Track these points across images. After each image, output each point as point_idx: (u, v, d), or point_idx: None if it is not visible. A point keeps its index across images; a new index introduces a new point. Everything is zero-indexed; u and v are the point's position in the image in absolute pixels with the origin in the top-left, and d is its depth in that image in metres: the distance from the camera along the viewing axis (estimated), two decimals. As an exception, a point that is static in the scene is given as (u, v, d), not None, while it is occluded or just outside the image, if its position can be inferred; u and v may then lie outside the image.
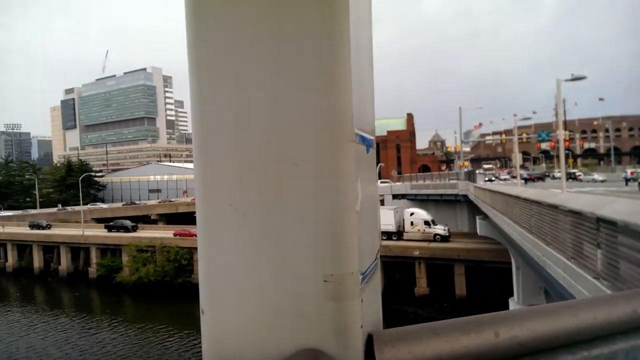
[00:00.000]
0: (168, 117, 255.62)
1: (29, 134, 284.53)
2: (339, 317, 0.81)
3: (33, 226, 56.78)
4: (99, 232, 52.02)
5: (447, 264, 34.87)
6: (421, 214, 40.95)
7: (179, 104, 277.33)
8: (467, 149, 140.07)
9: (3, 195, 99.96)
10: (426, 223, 39.89)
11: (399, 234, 40.08)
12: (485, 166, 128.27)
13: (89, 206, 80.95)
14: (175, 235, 46.44)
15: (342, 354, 0.80)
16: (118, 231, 51.79)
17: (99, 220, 68.52)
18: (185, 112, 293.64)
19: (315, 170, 0.82)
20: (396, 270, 35.96)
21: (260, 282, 0.82)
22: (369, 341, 0.84)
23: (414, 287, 35.47)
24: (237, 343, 0.82)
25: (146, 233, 50.36)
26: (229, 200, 0.82)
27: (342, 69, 0.82)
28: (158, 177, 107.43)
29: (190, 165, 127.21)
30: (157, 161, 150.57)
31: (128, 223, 53.51)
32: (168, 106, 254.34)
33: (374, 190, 1.04)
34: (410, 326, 0.86)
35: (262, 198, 0.82)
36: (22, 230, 56.63)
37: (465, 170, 59.62)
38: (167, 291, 40.94)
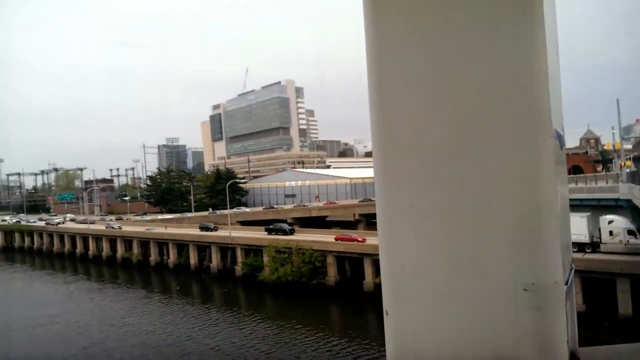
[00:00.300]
0: (300, 126, 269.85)
1: (184, 146, 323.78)
2: (541, 330, 0.75)
3: (203, 228, 62.66)
4: (259, 235, 55.82)
5: (607, 278, 30.41)
6: (622, 221, 35.00)
7: (310, 113, 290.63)
8: (629, 147, 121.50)
9: (165, 200, 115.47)
10: (630, 233, 33.70)
11: (593, 245, 34.34)
12: None
13: (234, 210, 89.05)
14: (336, 239, 46.67)
15: None
16: (277, 234, 53.97)
17: (243, 223, 74.95)
18: (316, 121, 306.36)
19: (512, 170, 0.76)
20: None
21: (450, 286, 0.78)
22: (573, 358, 0.77)
23: (566, 303, 31.51)
24: (423, 347, 0.78)
25: (302, 236, 52.07)
26: (411, 201, 0.79)
27: (539, 57, 0.75)
28: (293, 183, 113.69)
29: (322, 171, 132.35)
30: (292, 168, 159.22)
31: (286, 226, 56.06)
32: (300, 116, 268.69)
33: (567, 192, 0.97)
34: (618, 345, 0.78)
35: (448, 199, 0.78)
36: (180, 231, 64.50)
37: (628, 170, 51.73)
38: (303, 291, 42.90)
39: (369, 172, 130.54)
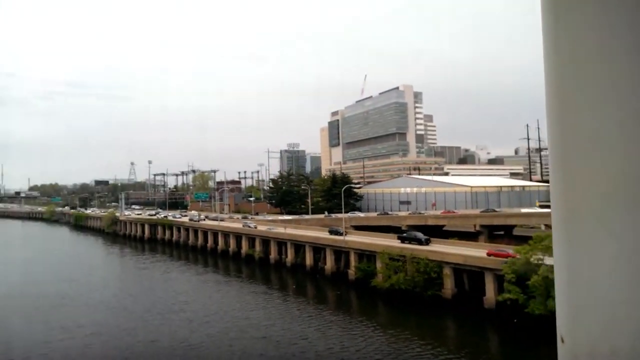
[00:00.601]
0: (417, 132, 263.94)
1: (304, 151, 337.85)
2: None
3: (332, 232, 62.08)
4: (390, 242, 52.87)
5: None
6: None
7: (428, 118, 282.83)
8: None
9: (285, 202, 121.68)
10: None
11: None
12: None
13: (349, 214, 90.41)
14: (488, 255, 41.51)
15: None
16: (410, 243, 50.83)
17: (356, 227, 75.64)
18: (434, 126, 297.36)
19: None
20: None
21: None
22: None
23: None
24: None
25: (439, 247, 48.51)
26: (600, 213, 0.69)
27: None
28: (408, 190, 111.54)
29: (439, 178, 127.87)
30: (407, 174, 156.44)
31: (421, 236, 52.48)
32: (417, 121, 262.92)
33: None
34: None
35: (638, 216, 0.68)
36: (298, 232, 67.28)
37: None
38: (416, 301, 41.74)
39: (491, 181, 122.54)
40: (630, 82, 0.69)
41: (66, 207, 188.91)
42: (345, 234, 59.05)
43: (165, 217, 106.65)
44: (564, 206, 0.74)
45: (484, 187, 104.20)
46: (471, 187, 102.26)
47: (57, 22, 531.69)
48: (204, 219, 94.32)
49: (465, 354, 30.96)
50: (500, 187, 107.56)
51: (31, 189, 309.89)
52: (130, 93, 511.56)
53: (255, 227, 74.89)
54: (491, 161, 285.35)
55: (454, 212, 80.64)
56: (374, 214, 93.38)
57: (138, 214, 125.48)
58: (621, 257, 0.68)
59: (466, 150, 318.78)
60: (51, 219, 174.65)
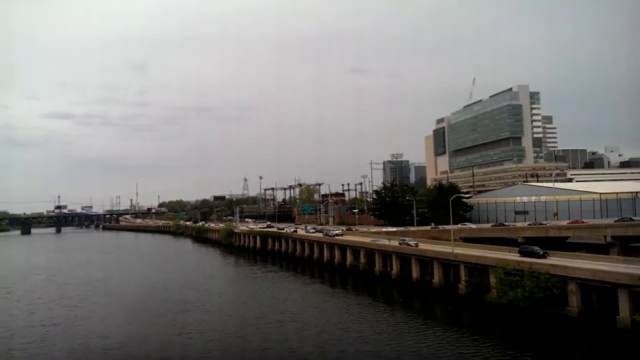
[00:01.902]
0: (535, 135, 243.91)
1: (407, 161, 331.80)
2: None
3: (525, 253, 48.67)
4: (504, 255, 49.18)
5: None
6: None
7: (547, 119, 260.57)
8: None
9: (389, 213, 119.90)
10: None
11: None
12: None
13: (459, 225, 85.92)
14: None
15: None
16: (529, 256, 46.96)
17: (466, 240, 71.51)
18: (554, 128, 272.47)
19: None
20: None
21: None
22: None
23: None
24: None
25: (558, 260, 43.54)
26: None
27: None
28: (525, 198, 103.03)
29: (561, 185, 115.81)
30: (524, 181, 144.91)
31: (537, 249, 48.42)
32: (535, 123, 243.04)
33: None
34: None
35: None
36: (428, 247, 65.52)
37: None
38: (537, 320, 37.83)
39: (625, 186, 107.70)
40: None
41: (189, 221, 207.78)
42: (545, 256, 47.22)
43: (282, 229, 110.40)
44: None
45: (616, 193, 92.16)
46: (600, 193, 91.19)
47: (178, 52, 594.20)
48: (341, 234, 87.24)
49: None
50: (636, 193, 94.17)
51: (160, 205, 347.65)
52: (244, 113, 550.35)
53: (416, 245, 62.83)
54: (623, 164, 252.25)
55: (583, 222, 72.14)
56: (488, 225, 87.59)
57: (251, 227, 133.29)
58: None
59: (593, 154, 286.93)
60: (176, 232, 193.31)
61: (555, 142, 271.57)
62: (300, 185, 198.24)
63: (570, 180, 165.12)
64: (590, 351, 32.84)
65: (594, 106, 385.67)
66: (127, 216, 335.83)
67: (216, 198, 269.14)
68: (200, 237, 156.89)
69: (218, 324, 42.45)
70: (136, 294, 60.98)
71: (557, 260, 43.86)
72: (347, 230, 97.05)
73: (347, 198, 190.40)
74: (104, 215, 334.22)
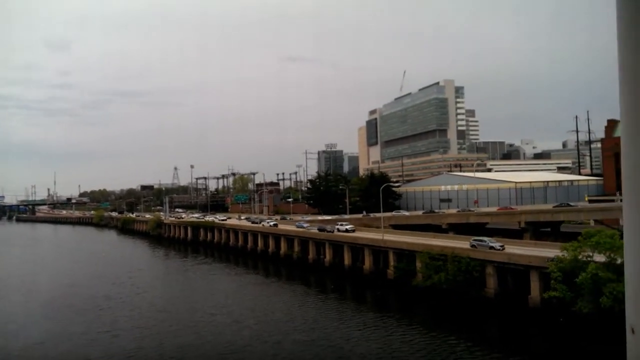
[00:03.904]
0: (459, 127, 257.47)
1: (341, 151, 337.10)
2: None
3: (321, 230, 61.29)
4: (414, 239, 53.21)
5: None
6: None
7: (470, 113, 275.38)
8: None
9: (323, 202, 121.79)
10: None
11: None
12: None
13: (392, 213, 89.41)
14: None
15: None
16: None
17: (395, 227, 74.43)
18: (477, 121, 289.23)
19: None
20: None
21: None
22: None
23: None
24: None
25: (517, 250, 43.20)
26: None
27: None
28: (449, 187, 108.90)
29: (482, 175, 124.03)
30: (448, 171, 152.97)
31: (495, 243, 44.59)
32: (459, 117, 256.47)
33: None
34: None
35: None
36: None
37: None
38: (458, 301, 40.51)
39: (537, 176, 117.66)
40: None
41: (114, 212, 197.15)
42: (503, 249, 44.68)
43: (215, 219, 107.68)
44: (634, 195, 0.72)
45: (530, 182, 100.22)
46: (515, 182, 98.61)
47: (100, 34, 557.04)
48: (276, 224, 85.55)
49: (508, 353, 29.73)
50: (547, 182, 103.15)
51: (81, 195, 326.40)
52: (174, 99, 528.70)
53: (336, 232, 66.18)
54: (537, 156, 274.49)
55: (512, 209, 77.61)
56: (419, 212, 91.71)
57: (181, 217, 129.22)
58: None
59: (510, 145, 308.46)
60: (100, 224, 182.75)
61: (477, 135, 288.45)
62: (234, 174, 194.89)
63: (489, 170, 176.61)
64: (502, 327, 35.85)
65: (512, 101, 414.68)
66: (44, 207, 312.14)
67: (144, 187, 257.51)
68: (127, 229, 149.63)
69: (147, 319, 40.76)
70: (56, 289, 57.03)
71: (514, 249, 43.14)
72: (281, 219, 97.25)
73: (281, 187, 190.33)
74: (18, 206, 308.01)
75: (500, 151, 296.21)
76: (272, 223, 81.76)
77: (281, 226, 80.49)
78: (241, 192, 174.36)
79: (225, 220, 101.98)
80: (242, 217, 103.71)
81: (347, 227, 66.87)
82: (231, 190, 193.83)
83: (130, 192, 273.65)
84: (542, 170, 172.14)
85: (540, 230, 65.26)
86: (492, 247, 43.66)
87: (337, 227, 67.73)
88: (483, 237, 48.45)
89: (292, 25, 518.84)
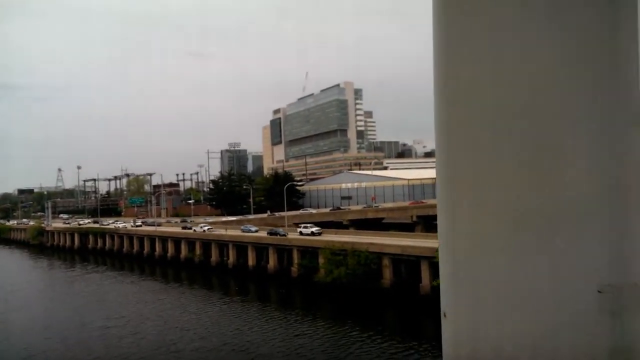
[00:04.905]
0: (358, 128, 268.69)
1: (245, 150, 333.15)
2: (618, 337, 0.69)
3: (272, 234, 58.80)
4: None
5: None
6: None
7: (368, 114, 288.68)
8: None
9: (226, 203, 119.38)
10: None
11: None
12: None
13: (300, 211, 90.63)
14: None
15: None
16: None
17: (298, 225, 75.62)
18: (374, 122, 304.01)
19: (591, 162, 0.70)
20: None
21: (513, 288, 0.74)
22: None
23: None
24: (482, 351, 0.75)
25: (335, 237, 51.62)
26: (475, 200, 0.76)
27: (628, 43, 0.69)
28: (349, 185, 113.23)
29: (379, 173, 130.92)
30: (348, 169, 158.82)
31: (281, 230, 58.52)
32: (358, 117, 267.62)
33: None
34: None
35: (524, 193, 0.73)
36: (239, 232, 66.16)
37: None
38: (358, 293, 42.36)
39: (427, 173, 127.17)
40: (509, 81, 0.72)
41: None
42: (285, 235, 57.92)
43: (108, 224, 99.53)
44: (446, 195, 0.81)
45: (420, 179, 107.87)
46: (408, 180, 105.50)
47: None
48: (141, 225, 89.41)
49: (402, 339, 31.86)
50: (434, 178, 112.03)
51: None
52: (61, 95, 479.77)
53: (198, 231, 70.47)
54: (427, 154, 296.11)
55: (424, 202, 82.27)
56: (326, 210, 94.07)
57: (67, 224, 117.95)
58: (497, 240, 0.75)
59: (404, 145, 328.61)
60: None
61: (375, 135, 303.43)
62: (128, 175, 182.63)
63: (385, 168, 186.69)
64: (396, 314, 38.39)
65: (407, 103, 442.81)
66: None
67: (21, 192, 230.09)
68: (2, 238, 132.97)
69: (29, 339, 36.47)
70: None
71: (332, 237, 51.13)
72: (181, 222, 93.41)
73: (182, 188, 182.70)
74: None
75: (395, 150, 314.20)
76: (206, 227, 72.76)
77: (164, 229, 77.39)
78: (137, 194, 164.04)
79: (141, 226, 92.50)
80: (138, 222, 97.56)
81: (314, 229, 59.34)
82: (125, 192, 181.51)
83: (5, 197, 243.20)
84: (431, 167, 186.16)
85: (431, 223, 70.76)
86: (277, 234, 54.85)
87: (300, 230, 60.49)
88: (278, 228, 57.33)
89: (194, 21, 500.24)
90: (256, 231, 63.26)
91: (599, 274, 0.70)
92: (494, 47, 0.72)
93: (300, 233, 58.40)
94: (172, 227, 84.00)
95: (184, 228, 74.90)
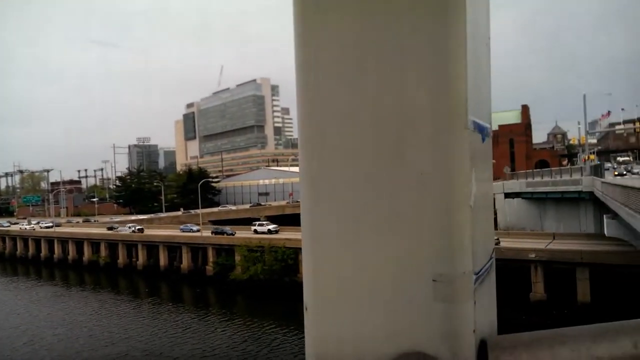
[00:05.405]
0: (275, 124, 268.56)
1: (156, 145, 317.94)
2: (449, 320, 0.77)
3: (217, 233, 55.76)
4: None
5: (568, 268, 31.32)
6: None
7: (285, 111, 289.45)
8: (593, 141, 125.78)
9: (135, 201, 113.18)
10: None
11: None
12: (621, 159, 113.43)
13: (219, 208, 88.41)
14: None
15: None
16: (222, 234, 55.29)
17: (215, 222, 73.86)
18: (291, 119, 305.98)
19: (425, 162, 0.77)
20: (510, 274, 33.23)
21: (366, 280, 0.80)
22: (482, 347, 0.79)
23: (529, 293, 32.48)
24: (340, 341, 0.80)
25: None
26: (333, 196, 0.81)
27: (456, 49, 0.75)
28: (267, 181, 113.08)
29: (296, 169, 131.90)
30: (266, 166, 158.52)
31: (228, 229, 56.47)
32: (275, 114, 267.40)
33: (489, 184, 0.97)
34: (530, 332, 0.80)
35: (368, 193, 0.79)
36: (151, 232, 63.23)
37: (591, 164, 53.46)
38: (275, 289, 42.68)
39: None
40: (357, 89, 0.77)
41: None
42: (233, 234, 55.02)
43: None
44: (307, 194, 0.85)
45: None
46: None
47: None
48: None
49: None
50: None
51: None
52: None
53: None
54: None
55: None
56: (247, 206, 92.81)
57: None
58: (349, 235, 0.81)
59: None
60: None
61: (292, 131, 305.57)
62: (22, 172, 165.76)
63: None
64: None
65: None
66: None
67: None
68: None
69: None
70: None
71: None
72: (84, 222, 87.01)
73: (85, 186, 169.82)
74: None
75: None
76: (137, 227, 65.40)
77: (65, 229, 72.11)
78: (32, 192, 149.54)
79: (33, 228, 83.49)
80: (33, 222, 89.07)
81: (270, 227, 55.37)
82: (18, 190, 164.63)
83: None
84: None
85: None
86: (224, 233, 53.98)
87: (255, 228, 56.21)
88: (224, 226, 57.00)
89: (102, 7, 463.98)
90: (197, 230, 59.57)
91: (433, 265, 0.77)
92: (343, 57, 0.77)
93: (255, 231, 55.23)
94: (80, 228, 77.81)
95: (109, 229, 68.14)
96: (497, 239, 35.68)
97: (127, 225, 66.77)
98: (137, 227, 64.24)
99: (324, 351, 0.82)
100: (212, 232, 56.01)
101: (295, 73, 0.85)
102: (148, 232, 62.75)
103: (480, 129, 0.87)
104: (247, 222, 71.13)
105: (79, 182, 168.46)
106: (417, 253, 0.78)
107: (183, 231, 60.22)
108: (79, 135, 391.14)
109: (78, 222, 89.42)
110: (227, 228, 57.35)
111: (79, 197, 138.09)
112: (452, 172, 0.77)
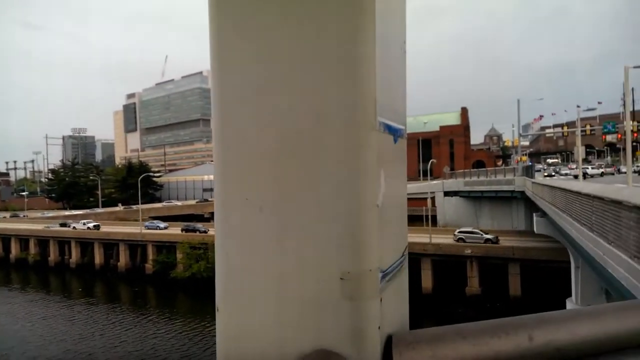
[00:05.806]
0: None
1: (93, 137, 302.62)
2: (355, 317, 0.78)
3: (188, 230, 53.01)
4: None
5: (501, 263, 33.17)
6: None
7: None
8: (526, 143, 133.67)
9: (69, 195, 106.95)
10: None
11: None
12: (550, 160, 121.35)
13: (164, 204, 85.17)
14: None
15: (357, 356, 0.77)
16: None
17: (156, 218, 71.48)
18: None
19: (334, 162, 0.78)
20: (447, 269, 34.69)
21: (275, 279, 0.80)
22: (388, 343, 0.81)
23: (465, 287, 34.06)
24: (250, 342, 0.81)
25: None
26: (245, 194, 0.81)
27: (365, 51, 0.76)
28: (212, 177, 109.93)
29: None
30: (211, 161, 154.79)
31: (200, 226, 53.44)
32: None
33: (402, 184, 0.98)
34: (434, 328, 0.82)
35: (278, 192, 0.79)
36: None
37: (523, 165, 56.78)
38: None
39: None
40: (266, 88, 0.78)
41: None
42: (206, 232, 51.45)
43: None
44: (219, 192, 0.85)
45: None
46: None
47: None
48: None
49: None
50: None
51: None
52: None
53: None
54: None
55: None
56: (193, 202, 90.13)
57: None
58: (259, 234, 0.81)
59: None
60: None
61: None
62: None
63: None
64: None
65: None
66: None
67: None
68: None
69: None
70: None
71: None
72: (12, 217, 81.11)
73: (14, 179, 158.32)
74: None
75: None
76: (93, 224, 59.66)
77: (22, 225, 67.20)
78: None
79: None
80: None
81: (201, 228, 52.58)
82: None
83: None
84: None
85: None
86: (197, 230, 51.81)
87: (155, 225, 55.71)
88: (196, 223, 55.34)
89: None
90: (165, 228, 56.40)
91: (340, 264, 0.78)
92: (259, 52, 0.78)
93: (157, 228, 54.01)
94: (7, 223, 72.20)
95: (62, 225, 62.64)
96: (496, 237, 36.50)
97: (81, 222, 61.46)
98: (92, 224, 59.56)
99: (233, 352, 0.82)
100: (182, 230, 53.46)
101: (211, 74, 0.87)
102: (105, 229, 58.96)
103: (392, 131, 0.88)
104: (191, 218, 69.37)
105: (7, 174, 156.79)
106: (325, 251, 0.79)
107: (148, 228, 56.76)
108: (6, 124, 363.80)
109: (5, 217, 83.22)
110: (200, 225, 54.60)
111: (7, 190, 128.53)
112: (359, 172, 0.78)
